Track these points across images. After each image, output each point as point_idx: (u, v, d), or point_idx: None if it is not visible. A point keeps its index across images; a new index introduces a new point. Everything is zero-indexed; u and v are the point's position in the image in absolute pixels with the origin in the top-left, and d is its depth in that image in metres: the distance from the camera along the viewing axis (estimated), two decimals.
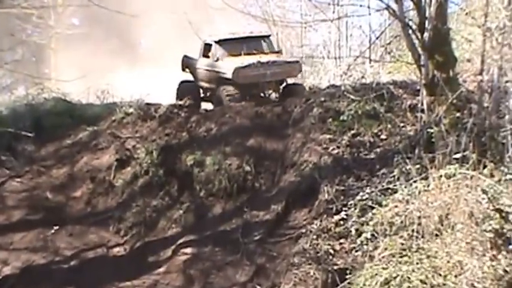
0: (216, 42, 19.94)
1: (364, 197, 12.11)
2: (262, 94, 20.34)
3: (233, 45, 19.83)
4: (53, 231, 14.16)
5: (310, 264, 12.03)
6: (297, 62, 20.41)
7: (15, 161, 16.29)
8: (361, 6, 16.25)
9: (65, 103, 18.44)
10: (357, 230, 11.80)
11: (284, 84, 20.38)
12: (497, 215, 10.19)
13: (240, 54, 19.38)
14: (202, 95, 20.73)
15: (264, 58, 19.22)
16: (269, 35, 20.89)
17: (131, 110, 16.96)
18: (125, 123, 16.99)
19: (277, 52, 20.28)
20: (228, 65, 18.98)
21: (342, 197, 12.80)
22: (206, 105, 19.69)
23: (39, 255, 14.06)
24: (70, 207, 15.31)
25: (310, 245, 12.35)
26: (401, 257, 10.64)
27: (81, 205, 15.35)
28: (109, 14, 15.65)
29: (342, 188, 13.20)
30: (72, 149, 16.84)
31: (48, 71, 34.73)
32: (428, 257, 10.47)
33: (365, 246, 11.41)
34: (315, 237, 12.47)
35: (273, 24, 24.24)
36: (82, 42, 33.52)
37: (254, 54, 19.49)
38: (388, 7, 12.80)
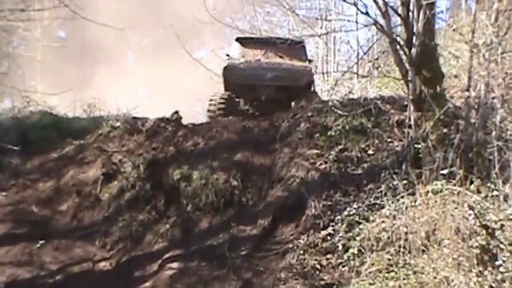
0: (236, 40, 18.58)
1: (351, 212, 12.17)
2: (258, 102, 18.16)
3: (255, 45, 18.24)
4: (38, 245, 13.99)
5: (296, 279, 11.92)
6: (307, 68, 17.95)
7: (0, 174, 16.16)
8: (348, 21, 16.51)
9: (51, 116, 18.34)
10: (343, 245, 11.83)
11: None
12: (484, 231, 10.14)
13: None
14: None
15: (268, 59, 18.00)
16: (301, 42, 18.66)
17: (118, 123, 16.84)
18: (111, 137, 16.84)
19: (304, 61, 18.23)
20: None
21: (329, 212, 12.77)
22: None
23: (25, 269, 13.84)
24: (56, 221, 15.12)
25: (297, 260, 12.27)
26: (388, 272, 10.66)
27: (67, 219, 15.14)
28: (96, 26, 15.69)
29: (329, 203, 13.13)
30: (58, 163, 16.71)
31: (34, 84, 34.76)
32: (415, 272, 10.45)
33: (352, 262, 11.43)
34: (301, 252, 12.41)
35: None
36: (68, 54, 33.72)
37: (275, 58, 18.07)
38: (375, 22, 12.89)
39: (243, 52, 18.14)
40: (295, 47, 17.82)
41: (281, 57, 17.81)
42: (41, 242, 13.99)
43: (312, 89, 18.82)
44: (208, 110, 17.51)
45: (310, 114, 15.60)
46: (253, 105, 18.14)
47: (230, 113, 17.19)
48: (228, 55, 18.32)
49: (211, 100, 17.60)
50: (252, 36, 18.44)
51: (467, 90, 12.69)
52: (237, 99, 17.97)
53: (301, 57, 17.98)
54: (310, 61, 18.48)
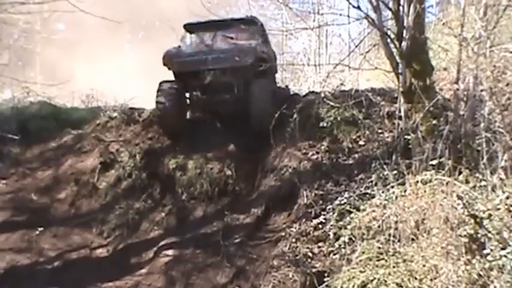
0: (184, 27, 16.63)
1: (342, 202, 12.12)
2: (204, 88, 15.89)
3: (203, 30, 16.26)
4: (37, 232, 14.06)
5: (289, 266, 11.97)
6: (251, 45, 15.53)
7: (0, 163, 16.29)
8: (340, 15, 16.35)
9: (50, 107, 18.42)
10: (335, 233, 11.79)
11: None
12: (472, 221, 10.12)
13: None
14: None
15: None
16: (252, 19, 16.54)
17: (115, 114, 16.92)
18: (108, 127, 16.94)
19: (257, 40, 16.07)
20: None
21: (321, 202, 12.76)
22: None
23: (24, 255, 13.95)
24: (54, 209, 15.21)
25: (289, 248, 12.33)
26: (378, 260, 10.65)
27: (65, 207, 15.25)
28: (95, 19, 15.62)
29: (321, 192, 13.12)
30: (57, 152, 16.81)
31: (34, 75, 34.71)
32: (404, 260, 10.47)
33: (343, 250, 11.42)
34: (294, 240, 12.43)
35: None
36: (67, 46, 33.63)
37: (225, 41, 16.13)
38: (367, 16, 12.80)
39: (191, 39, 16.41)
40: (247, 27, 16.06)
41: (232, 38, 15.99)
42: (40, 229, 14.04)
43: (270, 70, 16.38)
44: (157, 102, 15.79)
45: (302, 105, 15.38)
46: (200, 92, 16.04)
47: (179, 103, 15.69)
48: (179, 46, 16.40)
49: (158, 91, 15.82)
50: (200, 21, 16.01)
51: (456, 82, 12.60)
52: (185, 90, 16.13)
53: (254, 37, 16.04)
54: (265, 41, 16.57)
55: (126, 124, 16.88)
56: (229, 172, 15.05)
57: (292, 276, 11.85)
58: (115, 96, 17.74)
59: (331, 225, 12.07)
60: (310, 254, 12.04)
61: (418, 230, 10.69)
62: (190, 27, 16.36)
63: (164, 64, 15.40)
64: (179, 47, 16.11)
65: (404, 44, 12.51)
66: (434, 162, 11.59)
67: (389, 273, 10.37)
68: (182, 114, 16.10)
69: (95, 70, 29.02)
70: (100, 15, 15.31)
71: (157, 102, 15.70)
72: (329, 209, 12.31)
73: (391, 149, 13.08)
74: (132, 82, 25.53)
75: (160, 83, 15.76)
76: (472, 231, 9.99)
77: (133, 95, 18.03)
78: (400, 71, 12.78)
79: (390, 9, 12.60)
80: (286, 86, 19.61)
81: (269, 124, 13.50)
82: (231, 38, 15.91)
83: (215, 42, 15.94)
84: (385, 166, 12.27)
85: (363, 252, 11.03)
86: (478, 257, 9.87)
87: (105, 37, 32.05)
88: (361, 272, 10.71)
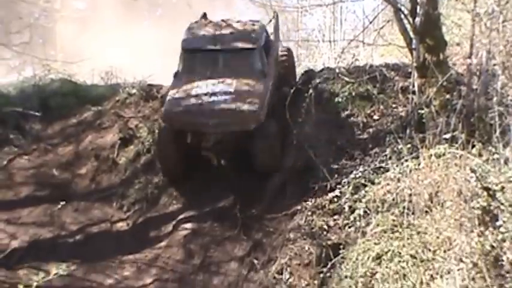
0: (182, 48, 14.75)
1: (357, 175, 12.26)
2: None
3: (201, 60, 14.41)
4: (59, 206, 14.25)
5: (305, 239, 12.16)
6: (254, 111, 13.71)
7: (23, 139, 16.39)
8: None
9: (71, 84, 18.48)
10: (350, 207, 11.95)
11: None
12: (485, 193, 10.22)
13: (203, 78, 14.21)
14: None
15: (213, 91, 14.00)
16: (255, 39, 14.50)
17: (134, 90, 16.94)
18: (128, 103, 17.01)
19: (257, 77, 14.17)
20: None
21: (336, 175, 12.80)
22: None
23: (46, 229, 14.18)
24: (75, 183, 15.39)
25: (305, 221, 12.47)
26: (392, 232, 10.78)
27: (86, 182, 15.41)
28: None
29: (336, 166, 13.17)
30: (77, 128, 16.92)
31: (54, 53, 34.97)
32: (418, 233, 10.60)
33: (358, 223, 11.57)
34: (309, 213, 12.58)
35: (271, 8, 23.65)
36: (87, 25, 33.89)
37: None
38: None
39: (189, 69, 14.35)
40: (248, 57, 14.24)
41: (233, 78, 13.82)
42: (62, 203, 14.22)
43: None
44: (157, 150, 14.32)
45: (317, 81, 15.46)
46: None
47: (178, 151, 13.81)
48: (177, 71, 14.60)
49: (159, 137, 14.31)
50: (197, 48, 14.40)
51: (469, 57, 12.64)
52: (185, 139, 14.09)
53: (257, 70, 14.08)
54: (263, 72, 14.18)
55: (144, 100, 16.92)
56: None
57: (308, 248, 12.00)
58: (134, 73, 17.73)
59: (346, 199, 12.17)
60: (325, 227, 12.16)
61: (431, 202, 10.81)
62: (187, 51, 14.57)
63: (164, 121, 14.05)
64: (177, 71, 14.39)
65: (417, 19, 12.61)
66: (447, 136, 11.67)
67: (404, 245, 10.50)
68: (182, 161, 14.48)
69: (114, 48, 29.22)
70: None
71: (157, 150, 14.49)
72: (344, 182, 12.39)
73: (405, 123, 13.19)
74: (150, 59, 25.80)
75: (159, 133, 14.20)
76: (485, 204, 10.08)
77: (151, 72, 18.07)
78: (413, 46, 12.92)
79: None
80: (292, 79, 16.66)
81: (277, 163, 13.64)
82: (233, 77, 13.90)
83: (215, 87, 13.83)
84: (399, 140, 12.32)
85: (378, 225, 11.18)
86: (491, 229, 9.94)
87: (124, 15, 32.31)
88: (375, 244, 10.86)
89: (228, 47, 14.32)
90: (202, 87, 13.98)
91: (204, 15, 16.22)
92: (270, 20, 15.98)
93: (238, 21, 15.52)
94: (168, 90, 14.67)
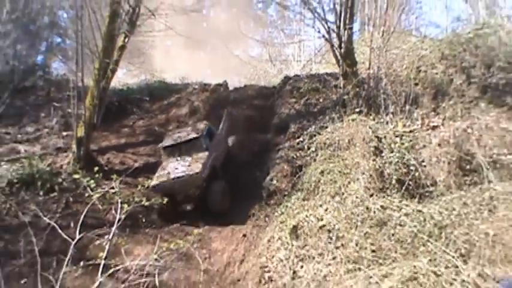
0: (162, 148, 16.39)
1: (311, 130, 15.04)
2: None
3: (171, 152, 17.01)
4: (158, 146, 17.40)
5: (284, 163, 15.20)
6: (197, 172, 15.67)
7: (139, 111, 20.54)
8: (311, 35, 18.00)
9: (164, 83, 22.67)
10: (308, 146, 14.64)
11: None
12: (376, 139, 13.20)
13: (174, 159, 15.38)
14: None
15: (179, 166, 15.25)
16: (198, 137, 16.63)
17: (196, 86, 21.18)
18: (193, 93, 20.96)
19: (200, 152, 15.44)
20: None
21: (301, 130, 15.50)
22: None
23: (152, 158, 18.01)
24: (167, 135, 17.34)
25: (284, 154, 15.27)
26: (329, 159, 13.40)
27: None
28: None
29: (300, 125, 16.03)
30: (167, 106, 20.62)
31: (155, 67, 37.09)
32: (342, 159, 13.15)
33: (311, 154, 14.22)
34: (286, 150, 15.37)
35: (267, 44, 29.19)
36: (171, 52, 40.54)
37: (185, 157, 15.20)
38: (324, 36, 15.68)
39: (166, 161, 16.61)
40: (198, 142, 16.78)
41: (189, 157, 16.49)
42: (160, 144, 17.09)
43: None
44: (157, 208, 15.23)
45: (291, 81, 18.48)
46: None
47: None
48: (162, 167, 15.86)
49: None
50: (167, 145, 17.54)
51: (368, 69, 15.54)
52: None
53: (200, 149, 16.09)
54: (207, 149, 16.48)
55: (202, 91, 20.90)
56: (255, 115, 18.74)
57: (286, 168, 15.01)
58: (196, 77, 22.08)
59: (306, 142, 14.78)
60: (295, 156, 14.87)
61: (349, 144, 13.49)
62: (164, 148, 16.54)
63: (155, 192, 14.21)
64: (163, 168, 16.01)
65: (342, 50, 15.18)
66: (357, 110, 14.51)
67: (335, 166, 13.15)
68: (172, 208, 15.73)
69: (185, 65, 34.08)
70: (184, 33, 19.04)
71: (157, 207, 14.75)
72: (305, 133, 15.02)
73: (336, 104, 15.63)
74: (203, 70, 30.29)
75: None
76: (376, 144, 13.00)
77: (204, 77, 21.92)
78: (340, 63, 15.34)
79: (336, 33, 15.15)
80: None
81: (225, 208, 15.04)
82: (189, 155, 16.56)
83: (179, 163, 16.27)
84: (333, 112, 15.00)
85: (322, 156, 13.79)
86: (378, 158, 12.85)
87: (191, 47, 39.55)
88: (320, 165, 13.41)
89: (185, 139, 16.08)
90: (172, 165, 15.51)
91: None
92: (220, 121, 17.12)
93: (192, 123, 17.39)
94: (156, 171, 15.38)
